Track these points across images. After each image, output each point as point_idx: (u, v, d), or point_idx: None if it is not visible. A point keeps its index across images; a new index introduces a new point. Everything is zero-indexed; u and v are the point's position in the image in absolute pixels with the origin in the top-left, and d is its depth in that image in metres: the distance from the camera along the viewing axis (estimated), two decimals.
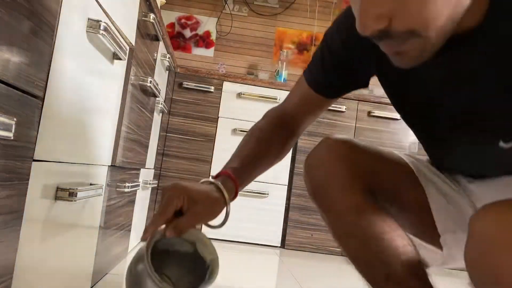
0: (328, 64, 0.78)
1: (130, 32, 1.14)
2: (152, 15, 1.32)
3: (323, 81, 0.82)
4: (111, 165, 1.12)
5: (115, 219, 1.26)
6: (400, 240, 0.71)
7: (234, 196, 0.73)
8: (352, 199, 0.73)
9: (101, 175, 1.05)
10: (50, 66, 0.65)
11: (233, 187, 0.73)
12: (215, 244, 0.69)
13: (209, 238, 0.69)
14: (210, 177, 0.74)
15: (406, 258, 0.69)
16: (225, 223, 0.70)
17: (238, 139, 2.57)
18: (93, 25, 0.80)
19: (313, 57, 0.83)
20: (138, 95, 1.31)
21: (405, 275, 0.69)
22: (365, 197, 0.73)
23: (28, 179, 0.61)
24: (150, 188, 1.94)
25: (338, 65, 0.78)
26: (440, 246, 0.77)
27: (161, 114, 1.96)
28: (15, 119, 0.53)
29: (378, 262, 0.71)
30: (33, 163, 0.63)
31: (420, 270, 0.70)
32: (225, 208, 0.70)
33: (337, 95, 0.85)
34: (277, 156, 0.86)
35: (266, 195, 2.18)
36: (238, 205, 2.23)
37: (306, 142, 2.24)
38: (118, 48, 0.92)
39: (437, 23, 0.49)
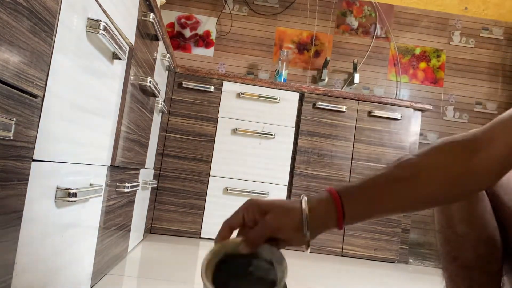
0: None
1: (130, 32, 1.14)
2: (152, 15, 1.32)
3: None
4: (110, 165, 1.12)
5: (115, 219, 1.26)
6: (484, 231, 0.75)
7: (338, 218, 0.58)
8: None
9: (101, 175, 1.04)
10: (49, 66, 0.65)
11: (330, 208, 0.58)
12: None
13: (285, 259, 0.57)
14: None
15: (480, 248, 0.74)
16: (308, 239, 0.58)
17: (238, 139, 2.56)
18: (93, 25, 0.80)
19: None
20: (137, 95, 1.31)
21: (474, 264, 0.75)
22: None
23: (27, 179, 0.61)
24: (149, 188, 1.94)
25: None
26: None
27: (160, 114, 1.96)
28: (14, 119, 0.53)
29: (453, 243, 0.78)
30: (33, 163, 0.63)
31: (493, 266, 0.75)
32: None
33: None
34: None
35: (266, 195, 2.18)
36: (238, 205, 2.23)
37: (305, 142, 2.24)
38: (117, 48, 0.92)
39: None
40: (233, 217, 0.61)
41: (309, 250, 0.59)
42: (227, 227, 0.60)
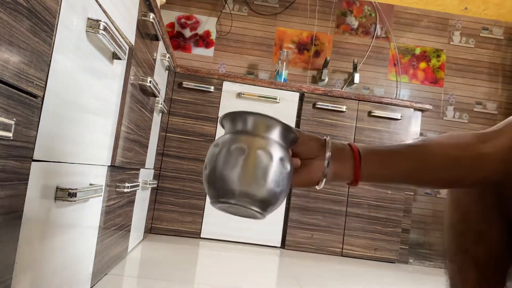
0: None
1: (130, 32, 1.14)
2: (152, 15, 1.32)
3: None
4: (110, 165, 1.12)
5: (115, 219, 1.26)
6: (499, 229, 0.75)
7: (354, 171, 0.62)
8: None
9: (101, 175, 1.04)
10: (49, 66, 0.65)
11: (347, 154, 0.62)
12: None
13: None
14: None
15: (494, 245, 0.75)
16: (328, 164, 0.61)
17: None
18: (93, 25, 0.80)
19: None
20: (137, 95, 1.31)
21: (486, 260, 0.75)
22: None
23: (27, 179, 0.61)
24: (149, 188, 1.93)
25: None
26: None
27: (160, 114, 1.96)
28: (14, 119, 0.53)
29: (466, 238, 0.77)
30: (33, 163, 0.63)
31: (503, 263, 0.75)
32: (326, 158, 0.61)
33: None
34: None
35: None
36: None
37: None
38: (117, 48, 0.92)
39: None
40: None
41: (322, 184, 0.62)
42: None
